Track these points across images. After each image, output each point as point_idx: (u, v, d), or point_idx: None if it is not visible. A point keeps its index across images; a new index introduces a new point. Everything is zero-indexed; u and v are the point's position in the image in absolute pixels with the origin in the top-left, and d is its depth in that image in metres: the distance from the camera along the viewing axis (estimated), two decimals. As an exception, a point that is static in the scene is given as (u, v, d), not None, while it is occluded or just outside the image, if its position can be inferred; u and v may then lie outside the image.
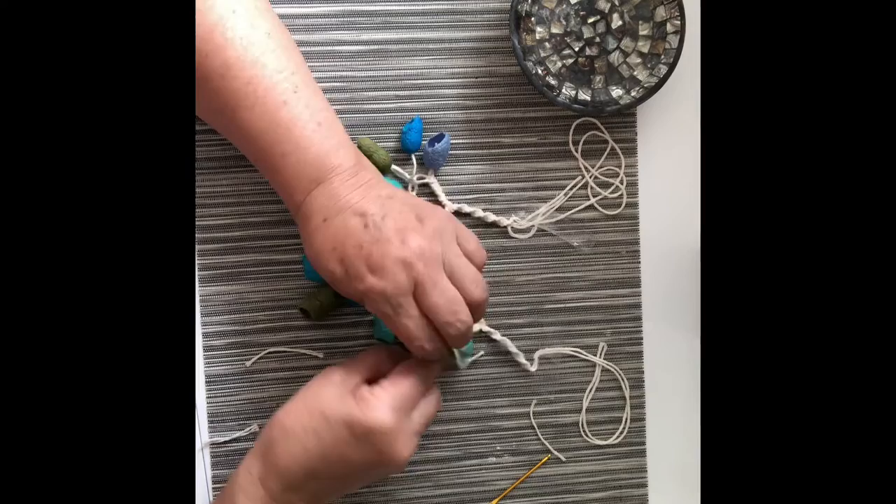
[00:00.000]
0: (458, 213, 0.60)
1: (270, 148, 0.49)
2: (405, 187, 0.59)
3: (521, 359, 0.61)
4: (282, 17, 0.58)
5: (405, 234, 0.48)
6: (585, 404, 0.62)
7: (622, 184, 0.62)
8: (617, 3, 0.58)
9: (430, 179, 0.59)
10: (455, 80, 0.60)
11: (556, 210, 0.61)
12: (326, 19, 0.58)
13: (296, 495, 0.49)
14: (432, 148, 0.58)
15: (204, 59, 0.48)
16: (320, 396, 0.50)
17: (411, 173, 0.59)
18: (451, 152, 0.60)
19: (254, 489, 0.49)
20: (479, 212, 0.60)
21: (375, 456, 0.49)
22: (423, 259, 0.48)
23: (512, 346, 0.61)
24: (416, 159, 0.59)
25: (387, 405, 0.49)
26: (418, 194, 0.59)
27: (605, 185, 0.62)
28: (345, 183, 0.49)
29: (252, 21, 0.49)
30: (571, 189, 0.61)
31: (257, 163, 0.51)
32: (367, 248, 0.47)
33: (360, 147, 0.56)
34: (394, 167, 0.58)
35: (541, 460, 0.62)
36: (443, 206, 0.59)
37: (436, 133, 0.59)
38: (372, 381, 0.51)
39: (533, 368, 0.61)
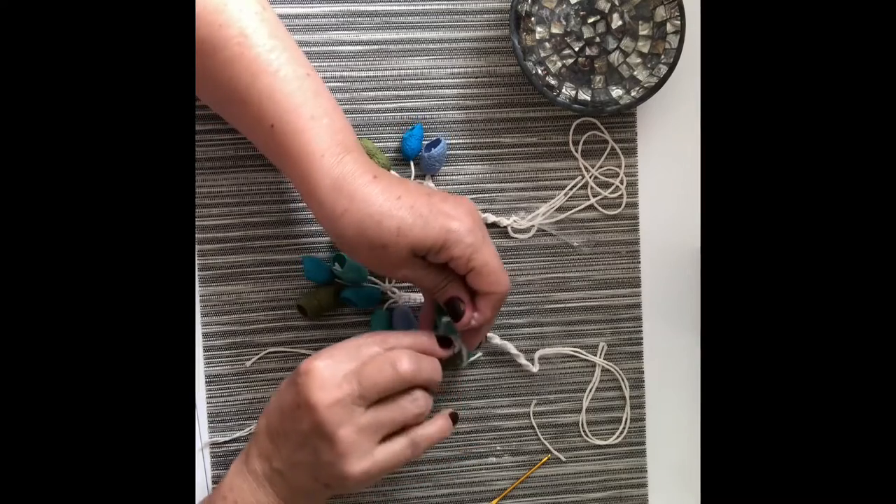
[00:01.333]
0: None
1: (297, 110, 0.48)
2: None
3: (522, 360, 0.61)
4: (282, 17, 0.58)
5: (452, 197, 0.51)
6: (585, 404, 0.62)
7: (622, 184, 0.62)
8: (617, 3, 0.58)
9: (428, 184, 0.59)
10: (455, 80, 0.60)
11: (556, 210, 0.61)
12: (326, 19, 0.58)
13: (260, 463, 0.50)
14: (428, 153, 0.58)
15: (219, 28, 0.47)
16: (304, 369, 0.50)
17: (409, 178, 0.59)
18: (451, 153, 0.60)
19: (239, 464, 0.51)
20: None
21: (296, 397, 0.48)
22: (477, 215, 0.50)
23: (512, 349, 0.61)
24: (415, 165, 0.59)
25: (327, 353, 0.49)
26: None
27: (605, 185, 0.62)
28: (368, 159, 0.50)
29: (263, 4, 0.50)
30: (571, 189, 0.61)
31: (278, 129, 0.48)
32: (436, 197, 0.49)
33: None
34: (392, 172, 0.59)
35: (541, 460, 0.62)
36: None
37: (433, 138, 0.59)
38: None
39: (535, 369, 0.61)
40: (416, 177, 0.59)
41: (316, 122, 0.48)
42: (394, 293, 0.59)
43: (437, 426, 0.52)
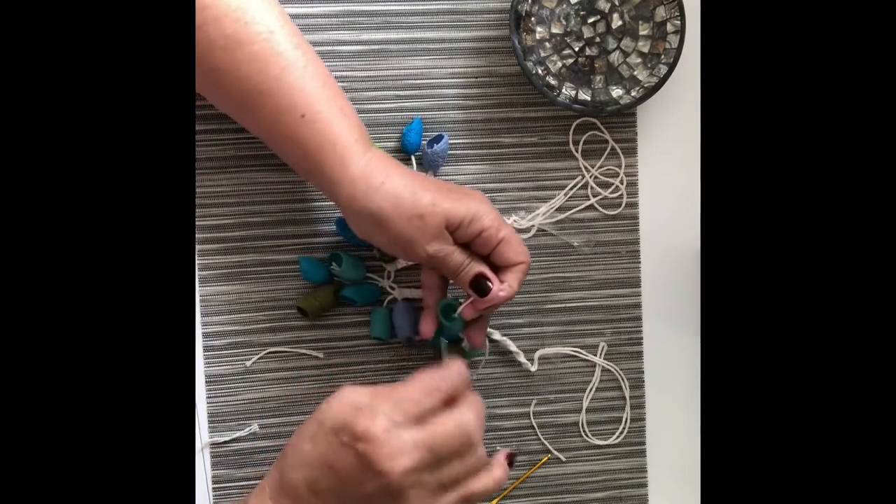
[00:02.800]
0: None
1: (330, 101, 0.51)
2: None
3: (522, 358, 0.61)
4: (282, 17, 0.58)
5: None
6: (585, 404, 0.62)
7: (622, 184, 0.62)
8: (617, 2, 0.58)
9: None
10: (455, 80, 0.60)
11: (557, 210, 0.61)
12: (326, 19, 0.58)
13: None
14: (431, 149, 0.58)
15: (244, 25, 0.49)
16: (324, 407, 0.46)
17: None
18: (451, 152, 0.60)
19: None
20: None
21: (359, 465, 0.44)
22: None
23: (512, 346, 0.61)
24: (416, 160, 0.59)
25: (377, 410, 0.45)
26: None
27: (605, 185, 0.62)
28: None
29: (280, 7, 0.52)
30: (571, 189, 0.61)
31: (309, 118, 0.50)
32: (449, 184, 0.53)
33: None
34: None
35: (541, 460, 0.62)
36: None
37: (435, 134, 0.59)
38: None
39: (533, 368, 0.61)
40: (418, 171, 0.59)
41: (346, 115, 0.51)
42: (392, 289, 0.59)
43: (494, 479, 0.48)
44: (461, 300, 0.54)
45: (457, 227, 0.51)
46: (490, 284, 0.52)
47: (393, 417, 0.45)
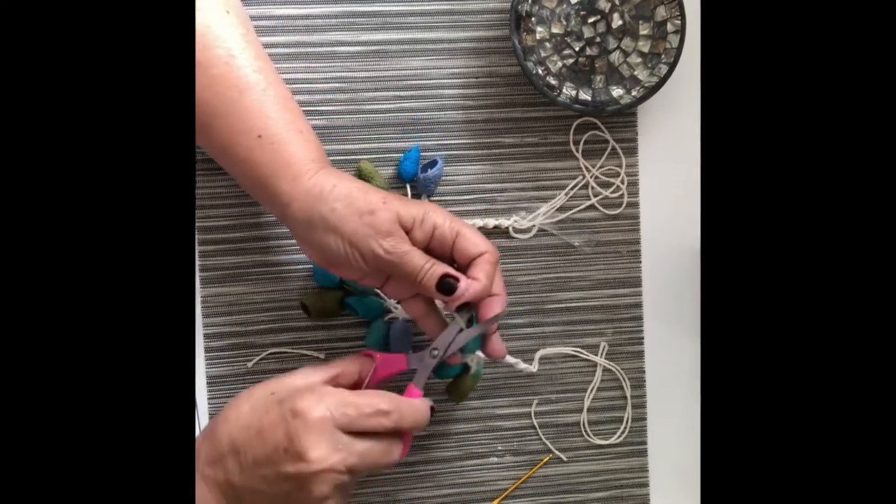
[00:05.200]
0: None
1: (286, 123, 0.51)
2: None
3: (521, 365, 0.60)
4: (281, 18, 0.58)
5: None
6: (587, 404, 0.62)
7: (623, 183, 0.62)
8: (617, 2, 0.58)
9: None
10: (455, 80, 0.60)
11: (557, 210, 0.61)
12: (326, 20, 0.58)
13: (213, 469, 0.47)
14: (424, 174, 0.58)
15: (204, 50, 0.49)
16: (280, 377, 0.49)
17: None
18: (451, 153, 0.60)
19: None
20: (478, 222, 0.60)
21: (285, 437, 0.46)
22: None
23: (509, 358, 0.60)
24: (410, 187, 0.59)
25: (325, 401, 0.47)
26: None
27: (605, 185, 0.62)
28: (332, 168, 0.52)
29: (247, 27, 0.52)
30: (572, 189, 0.61)
31: (266, 139, 0.50)
32: (403, 199, 0.51)
33: (360, 170, 0.58)
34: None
35: (542, 460, 0.62)
36: None
37: (429, 160, 0.59)
38: (327, 380, 0.49)
39: (534, 369, 0.61)
40: (413, 197, 0.59)
41: (304, 137, 0.51)
42: (396, 308, 0.59)
43: (383, 449, 0.49)
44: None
45: (410, 227, 0.50)
46: (456, 283, 0.50)
47: (334, 413, 0.46)
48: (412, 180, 0.59)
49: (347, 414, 0.47)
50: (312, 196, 0.49)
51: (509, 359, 0.60)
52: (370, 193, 0.50)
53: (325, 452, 0.46)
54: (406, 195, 0.59)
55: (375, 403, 0.48)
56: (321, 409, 0.46)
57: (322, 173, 0.50)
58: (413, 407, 0.49)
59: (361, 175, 0.58)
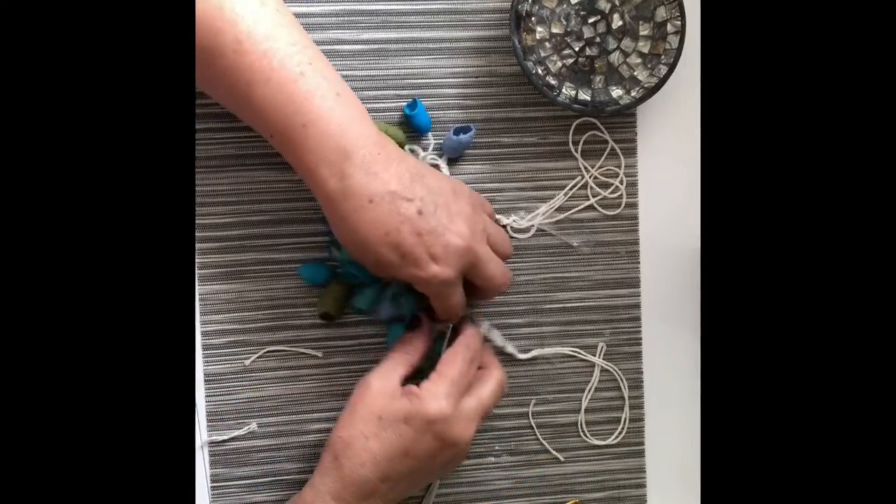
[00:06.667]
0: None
1: (289, 120, 0.47)
2: None
3: (511, 348, 0.61)
4: (282, 16, 0.58)
5: (456, 220, 0.50)
6: (584, 404, 0.62)
7: (622, 184, 0.62)
8: (617, 3, 0.58)
9: (442, 164, 0.59)
10: (455, 80, 0.60)
11: (556, 210, 0.61)
12: (326, 18, 0.58)
13: (372, 501, 0.50)
14: (456, 137, 0.58)
15: (215, 36, 0.47)
16: (369, 403, 0.51)
17: (427, 150, 0.59)
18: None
19: None
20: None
21: (438, 444, 0.50)
22: (475, 240, 0.51)
23: (499, 339, 0.60)
24: (433, 138, 0.59)
25: (439, 393, 0.50)
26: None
27: (604, 185, 0.62)
28: (376, 157, 0.48)
29: None
30: (571, 189, 0.61)
31: (276, 139, 0.49)
32: (427, 239, 0.49)
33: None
34: (406, 148, 0.58)
35: (539, 460, 0.62)
36: None
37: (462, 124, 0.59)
38: (409, 376, 0.53)
39: (524, 356, 0.61)
40: (436, 157, 0.59)
41: (310, 130, 0.47)
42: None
43: (490, 385, 0.54)
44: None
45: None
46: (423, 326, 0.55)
47: (453, 395, 0.51)
48: (425, 133, 0.59)
49: (461, 385, 0.52)
50: (327, 217, 0.50)
51: (497, 339, 0.60)
52: (365, 253, 0.49)
53: (471, 430, 0.52)
54: (429, 144, 0.59)
55: (461, 357, 0.53)
56: (446, 403, 0.50)
57: (325, 203, 0.50)
58: (468, 333, 0.55)
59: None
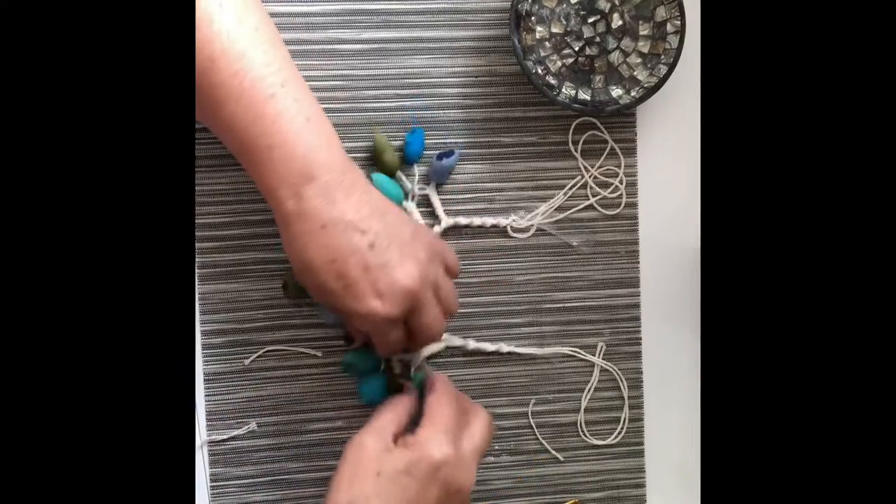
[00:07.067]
0: (455, 227, 0.60)
1: (256, 140, 0.47)
2: (406, 196, 0.59)
3: (489, 347, 0.60)
4: (281, 15, 0.58)
5: (407, 261, 0.49)
6: (584, 404, 0.62)
7: (622, 184, 0.62)
8: (617, 2, 0.58)
9: (430, 191, 0.59)
10: (455, 80, 0.60)
11: (556, 210, 0.61)
12: (326, 18, 0.58)
13: None
14: (440, 162, 0.58)
15: (197, 53, 0.47)
16: (365, 462, 0.48)
17: (413, 182, 0.59)
18: (450, 151, 0.60)
19: None
20: (476, 220, 0.60)
21: (443, 492, 0.49)
22: (422, 285, 0.49)
23: (473, 343, 0.60)
24: (419, 170, 0.59)
25: (439, 437, 0.49)
26: (417, 205, 0.59)
27: (604, 185, 0.62)
28: (339, 184, 0.48)
29: (239, 16, 0.48)
30: (571, 189, 0.61)
31: (242, 158, 0.49)
32: (374, 273, 0.48)
33: (375, 143, 0.58)
34: (398, 174, 0.59)
35: (539, 460, 0.62)
36: (439, 221, 0.60)
37: (446, 148, 0.59)
38: (399, 430, 0.51)
39: (498, 348, 0.61)
40: (420, 183, 0.59)
41: (275, 152, 0.47)
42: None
43: (479, 424, 0.53)
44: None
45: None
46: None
47: (454, 440, 0.49)
48: (416, 162, 0.59)
49: (457, 429, 0.51)
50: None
51: (472, 344, 0.60)
52: (310, 277, 0.48)
53: (474, 473, 0.51)
54: (414, 177, 0.59)
55: (452, 402, 0.52)
56: (449, 448, 0.49)
57: (280, 223, 0.49)
58: (440, 380, 0.54)
59: (375, 146, 0.58)
